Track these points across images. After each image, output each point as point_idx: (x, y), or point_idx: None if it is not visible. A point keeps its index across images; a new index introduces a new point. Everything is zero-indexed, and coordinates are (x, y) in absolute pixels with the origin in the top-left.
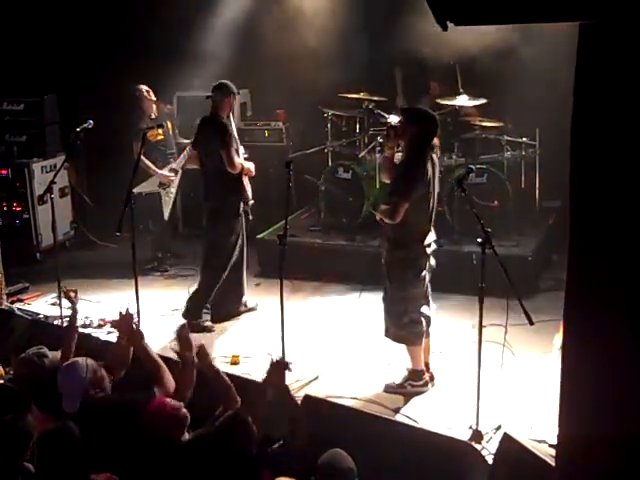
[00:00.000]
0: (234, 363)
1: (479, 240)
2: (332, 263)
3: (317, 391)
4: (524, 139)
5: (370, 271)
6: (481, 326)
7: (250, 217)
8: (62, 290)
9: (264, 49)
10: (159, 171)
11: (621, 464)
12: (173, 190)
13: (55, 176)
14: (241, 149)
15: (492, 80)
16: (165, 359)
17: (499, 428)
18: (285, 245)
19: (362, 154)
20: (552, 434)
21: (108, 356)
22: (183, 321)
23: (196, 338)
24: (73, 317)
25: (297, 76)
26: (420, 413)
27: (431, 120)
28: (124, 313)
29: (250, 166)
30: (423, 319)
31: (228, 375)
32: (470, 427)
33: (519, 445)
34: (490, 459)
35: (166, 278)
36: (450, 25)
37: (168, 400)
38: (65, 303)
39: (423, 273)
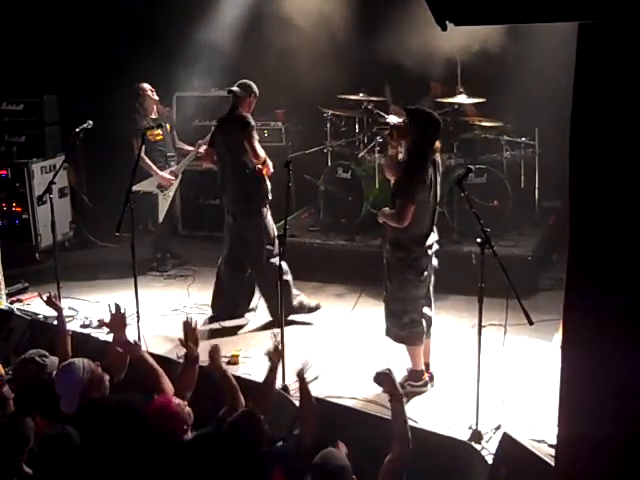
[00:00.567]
0: (233, 363)
1: (478, 240)
2: (332, 263)
3: (317, 391)
4: (523, 139)
5: (370, 271)
6: (480, 326)
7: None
8: (43, 300)
9: (264, 49)
10: (160, 172)
11: (621, 464)
12: (171, 194)
13: (54, 176)
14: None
15: (491, 80)
16: (165, 360)
17: (499, 428)
18: (284, 245)
19: (361, 154)
20: (552, 434)
21: (106, 359)
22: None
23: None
24: (60, 320)
25: (297, 76)
26: (420, 413)
27: (434, 122)
28: (114, 311)
29: (269, 164)
30: (423, 319)
31: None
32: (470, 427)
33: (519, 445)
34: (490, 459)
35: (165, 278)
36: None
37: (173, 398)
38: (65, 304)
39: (425, 274)
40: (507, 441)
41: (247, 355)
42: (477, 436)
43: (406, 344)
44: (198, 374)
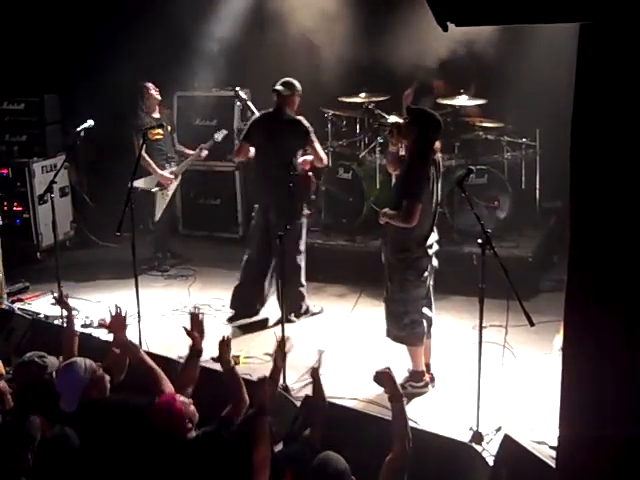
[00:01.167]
0: (235, 363)
1: (479, 241)
2: (332, 263)
3: None
4: (524, 140)
5: (371, 271)
6: (481, 327)
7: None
8: (53, 297)
9: (265, 49)
10: (159, 171)
11: (622, 466)
12: (170, 193)
13: (55, 176)
14: None
15: (492, 81)
16: (165, 360)
17: (499, 429)
18: (285, 245)
19: (362, 154)
20: (552, 435)
21: (106, 360)
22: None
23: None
24: (70, 321)
25: (298, 76)
26: (420, 414)
27: (435, 123)
28: (114, 312)
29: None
30: (424, 320)
31: None
32: (470, 428)
33: (519, 447)
34: (490, 460)
35: (166, 278)
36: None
37: (177, 396)
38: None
39: (425, 274)
40: (508, 442)
41: (248, 356)
42: (478, 437)
43: (407, 345)
44: (202, 372)
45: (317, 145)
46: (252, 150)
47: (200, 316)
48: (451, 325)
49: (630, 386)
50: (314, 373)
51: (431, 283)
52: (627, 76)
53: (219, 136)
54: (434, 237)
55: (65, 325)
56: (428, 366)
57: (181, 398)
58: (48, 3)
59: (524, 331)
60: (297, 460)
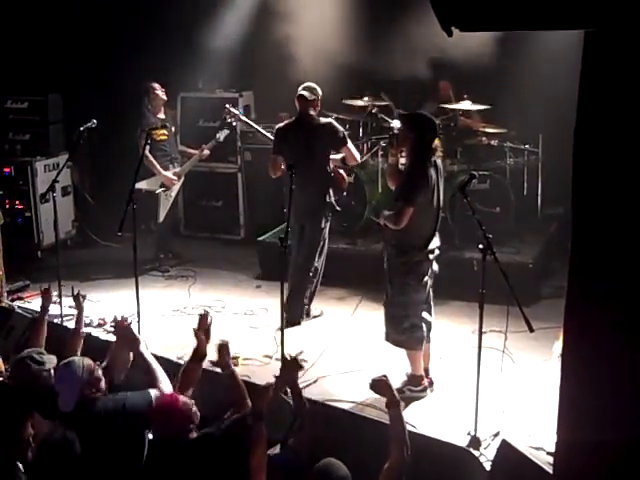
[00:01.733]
0: (233, 365)
1: (480, 246)
2: (333, 267)
3: (315, 394)
4: (527, 146)
5: (371, 275)
6: (481, 332)
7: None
8: (73, 292)
9: (268, 52)
10: (164, 172)
11: (619, 472)
12: (173, 194)
13: (58, 175)
14: None
15: (495, 86)
16: (165, 361)
17: (497, 435)
18: (286, 248)
19: (365, 158)
20: (550, 441)
21: (109, 359)
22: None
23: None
24: (78, 322)
25: (300, 79)
26: (418, 418)
27: (428, 124)
28: (121, 320)
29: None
30: (424, 324)
31: None
32: (468, 433)
33: (517, 452)
34: (488, 466)
35: (167, 279)
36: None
37: (180, 396)
38: (66, 302)
39: (425, 278)
40: (505, 448)
41: (248, 357)
42: (476, 442)
43: (406, 349)
44: (203, 373)
45: (351, 145)
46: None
47: (209, 319)
48: (451, 330)
49: (628, 392)
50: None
51: (431, 287)
52: (631, 83)
53: (221, 135)
54: (436, 242)
55: (74, 328)
56: (427, 370)
57: (183, 398)
58: (53, 3)
59: (524, 337)
60: (282, 467)
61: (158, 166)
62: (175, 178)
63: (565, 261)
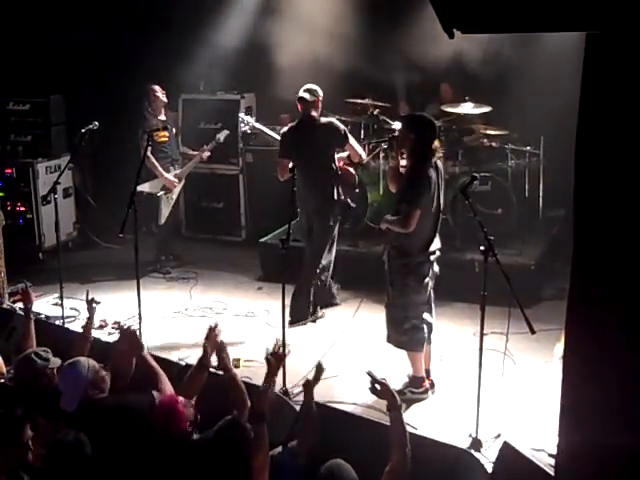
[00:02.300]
0: (235, 367)
1: (482, 248)
2: (335, 268)
3: (317, 396)
4: (528, 148)
5: (373, 277)
6: (482, 334)
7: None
8: (87, 297)
9: (270, 53)
10: (165, 174)
11: (621, 474)
12: (174, 197)
13: (59, 176)
14: None
15: (497, 88)
16: (166, 362)
17: (499, 436)
18: (288, 249)
19: (366, 160)
20: (552, 443)
21: (111, 363)
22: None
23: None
24: (87, 328)
25: (302, 81)
26: (420, 420)
27: (427, 124)
28: (126, 330)
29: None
30: (425, 326)
31: None
32: (470, 435)
33: (518, 454)
34: (489, 467)
35: (168, 280)
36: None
37: (180, 398)
38: (67, 304)
39: (426, 280)
40: (507, 450)
41: (249, 359)
42: (477, 444)
43: (407, 350)
44: (210, 379)
45: (354, 142)
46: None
47: (217, 332)
48: (452, 331)
49: (631, 394)
50: (307, 385)
51: (431, 289)
52: (633, 85)
53: (221, 136)
54: (437, 244)
55: (82, 332)
56: (428, 372)
57: (183, 400)
58: (54, 5)
59: (525, 339)
60: (280, 469)
61: (160, 168)
62: (176, 180)
63: (566, 263)
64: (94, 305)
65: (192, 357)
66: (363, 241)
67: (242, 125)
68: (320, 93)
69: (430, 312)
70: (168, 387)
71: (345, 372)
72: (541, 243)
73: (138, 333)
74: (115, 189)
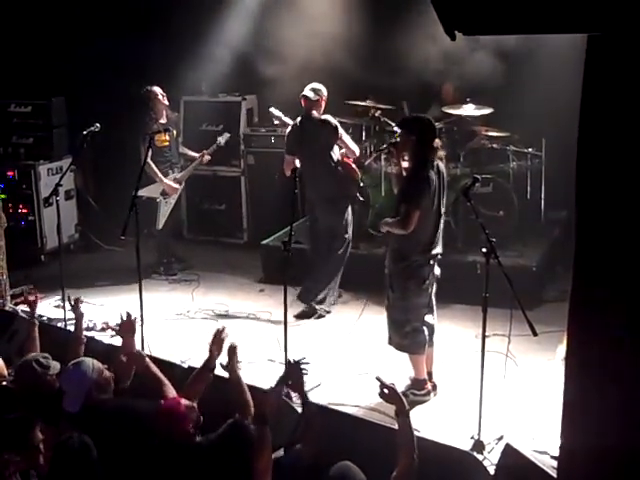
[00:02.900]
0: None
1: (484, 250)
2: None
3: (319, 398)
4: (530, 149)
5: (375, 279)
6: (484, 336)
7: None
8: (69, 299)
9: (271, 55)
10: (165, 179)
11: (623, 476)
12: (173, 201)
13: (61, 178)
14: None
15: (498, 90)
16: (169, 364)
17: (501, 438)
18: (290, 251)
19: (368, 162)
20: (554, 445)
21: (113, 366)
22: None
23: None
24: (78, 328)
25: (303, 83)
26: (422, 422)
27: (426, 125)
28: (125, 318)
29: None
30: (426, 328)
31: None
32: (472, 437)
33: (521, 456)
34: (492, 469)
35: (170, 282)
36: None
37: (183, 400)
38: (69, 306)
39: (426, 282)
40: (509, 452)
41: (251, 361)
42: (479, 446)
43: (408, 353)
44: (213, 381)
45: (346, 138)
46: (297, 161)
47: (223, 334)
48: (454, 333)
49: (633, 396)
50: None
51: (433, 291)
52: (634, 87)
53: (222, 139)
54: (439, 249)
55: (73, 330)
56: (430, 374)
57: (186, 402)
58: (56, 6)
59: (527, 341)
60: (283, 471)
61: (160, 174)
62: (177, 186)
63: (568, 265)
64: (79, 305)
65: (194, 359)
66: (364, 243)
67: (275, 121)
68: (324, 93)
69: (432, 314)
70: (172, 394)
71: (348, 374)
72: (543, 245)
73: (137, 328)
74: (117, 191)
